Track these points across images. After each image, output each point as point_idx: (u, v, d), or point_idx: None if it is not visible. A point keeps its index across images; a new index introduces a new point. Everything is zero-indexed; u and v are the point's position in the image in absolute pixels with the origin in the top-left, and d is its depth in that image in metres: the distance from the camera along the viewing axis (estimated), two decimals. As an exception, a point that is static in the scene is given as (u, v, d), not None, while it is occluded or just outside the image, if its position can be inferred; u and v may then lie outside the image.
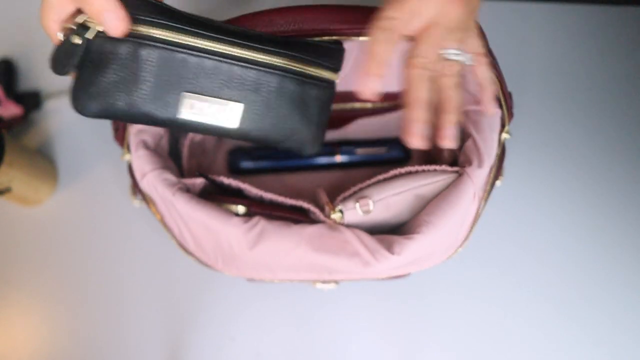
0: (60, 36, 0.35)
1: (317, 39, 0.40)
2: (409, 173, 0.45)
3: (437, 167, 0.44)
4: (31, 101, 0.64)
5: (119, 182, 0.62)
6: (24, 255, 0.60)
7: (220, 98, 0.36)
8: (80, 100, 0.35)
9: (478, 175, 0.43)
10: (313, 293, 0.58)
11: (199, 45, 0.35)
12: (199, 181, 0.45)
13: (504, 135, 0.46)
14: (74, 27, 0.34)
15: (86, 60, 0.35)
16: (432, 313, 0.58)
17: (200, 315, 0.58)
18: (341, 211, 0.44)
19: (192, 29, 0.35)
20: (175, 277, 0.59)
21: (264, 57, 0.37)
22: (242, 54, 0.36)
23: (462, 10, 0.35)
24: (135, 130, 0.47)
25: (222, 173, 0.55)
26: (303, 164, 0.55)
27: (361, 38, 0.40)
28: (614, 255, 0.59)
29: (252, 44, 0.36)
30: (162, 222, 0.48)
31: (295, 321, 0.58)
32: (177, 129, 0.36)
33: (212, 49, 0.36)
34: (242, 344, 0.57)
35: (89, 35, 0.34)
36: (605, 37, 0.66)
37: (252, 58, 0.36)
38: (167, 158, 0.49)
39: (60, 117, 0.65)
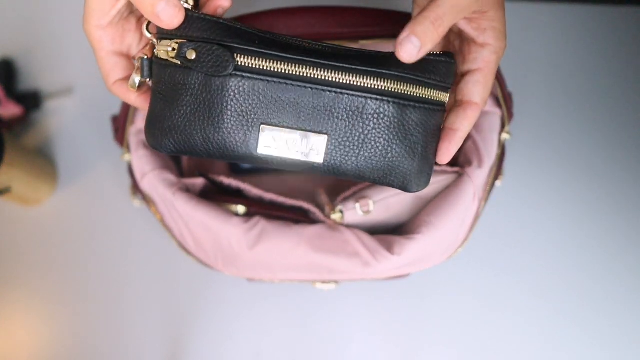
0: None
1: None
2: (409, 173, 0.45)
3: (437, 168, 0.44)
4: (31, 101, 0.64)
5: (119, 182, 0.62)
6: (24, 255, 0.60)
7: (302, 130, 0.32)
8: (156, 137, 0.33)
9: (478, 176, 0.43)
10: (313, 293, 0.58)
11: (278, 70, 0.31)
12: (199, 181, 0.45)
13: (504, 136, 0.46)
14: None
15: (157, 92, 0.33)
16: (432, 313, 0.58)
17: (200, 315, 0.58)
18: (341, 211, 0.44)
19: (271, 52, 0.31)
20: (176, 277, 0.59)
21: (356, 79, 0.31)
22: (329, 77, 0.31)
23: None
24: (135, 130, 0.47)
25: (222, 173, 0.55)
26: None
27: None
28: (614, 255, 0.59)
29: (339, 64, 0.31)
30: (162, 222, 0.48)
31: (295, 321, 0.58)
32: (259, 165, 0.33)
33: (293, 72, 0.31)
34: (242, 344, 0.57)
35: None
36: (605, 37, 0.66)
37: (341, 82, 0.31)
38: (167, 158, 0.49)
39: (60, 117, 0.65)
